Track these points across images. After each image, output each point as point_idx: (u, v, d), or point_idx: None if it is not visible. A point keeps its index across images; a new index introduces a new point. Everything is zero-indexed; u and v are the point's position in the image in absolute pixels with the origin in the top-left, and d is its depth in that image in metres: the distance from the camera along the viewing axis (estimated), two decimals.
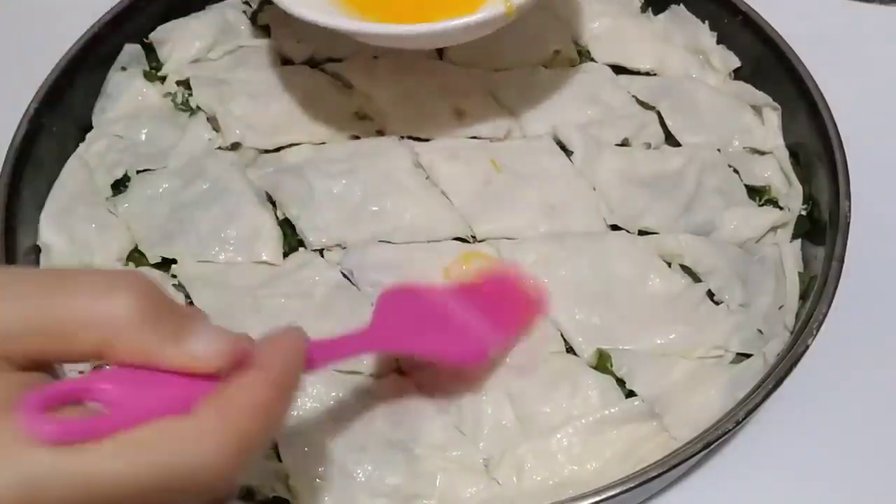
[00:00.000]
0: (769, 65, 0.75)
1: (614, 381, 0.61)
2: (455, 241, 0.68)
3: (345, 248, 0.68)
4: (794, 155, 0.73)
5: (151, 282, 0.37)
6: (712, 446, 0.57)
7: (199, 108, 0.76)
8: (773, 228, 0.70)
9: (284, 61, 0.79)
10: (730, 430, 0.56)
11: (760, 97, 0.75)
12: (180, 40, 0.79)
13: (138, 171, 0.72)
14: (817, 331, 0.59)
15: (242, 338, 0.39)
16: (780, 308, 0.65)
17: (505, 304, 0.63)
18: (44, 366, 0.37)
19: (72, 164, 0.73)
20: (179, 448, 0.35)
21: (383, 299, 0.58)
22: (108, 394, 0.35)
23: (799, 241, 0.70)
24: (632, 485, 0.54)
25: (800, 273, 0.67)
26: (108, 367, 0.37)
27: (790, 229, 0.70)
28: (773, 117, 0.75)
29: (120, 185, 0.72)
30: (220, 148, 0.73)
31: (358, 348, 0.53)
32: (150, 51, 0.80)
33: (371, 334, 0.54)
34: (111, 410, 0.35)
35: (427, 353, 0.58)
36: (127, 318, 0.35)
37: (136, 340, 0.35)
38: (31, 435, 0.33)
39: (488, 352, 0.60)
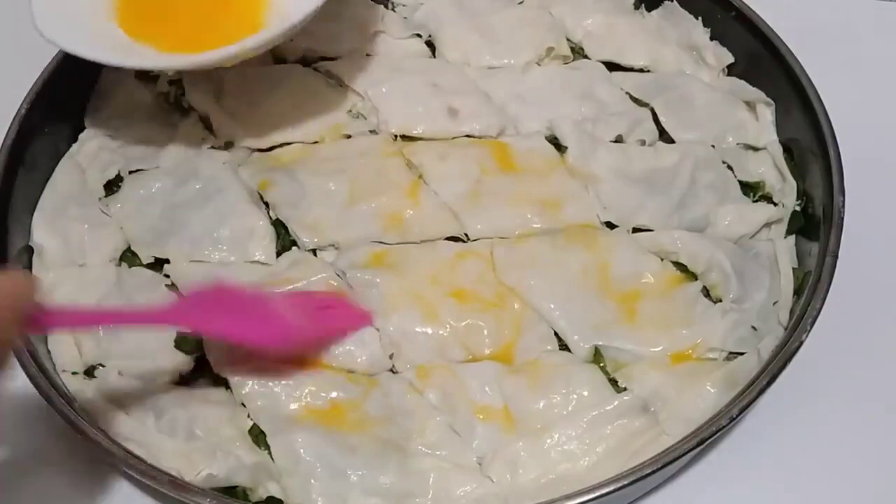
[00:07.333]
0: (763, 60, 0.75)
1: (607, 379, 0.61)
2: (448, 241, 0.68)
3: (338, 248, 0.68)
4: (788, 151, 0.73)
5: None
6: (707, 443, 0.57)
7: (191, 107, 0.76)
8: (768, 224, 0.70)
9: (277, 60, 0.79)
10: (724, 427, 0.56)
11: (754, 93, 0.75)
12: None
13: (131, 172, 0.72)
14: (811, 326, 0.59)
15: None
16: (774, 304, 0.65)
17: (327, 311, 0.64)
18: None
19: (64, 164, 0.73)
20: None
21: (192, 291, 0.61)
22: None
23: (793, 236, 0.69)
24: (626, 482, 0.54)
25: (794, 269, 0.67)
26: None
27: (784, 225, 0.70)
28: (766, 113, 0.75)
29: (112, 186, 0.72)
30: (212, 147, 0.73)
31: (145, 319, 0.56)
32: None
33: (167, 310, 0.57)
34: None
35: (224, 333, 0.59)
36: None
37: None
38: None
39: (291, 336, 0.61)
